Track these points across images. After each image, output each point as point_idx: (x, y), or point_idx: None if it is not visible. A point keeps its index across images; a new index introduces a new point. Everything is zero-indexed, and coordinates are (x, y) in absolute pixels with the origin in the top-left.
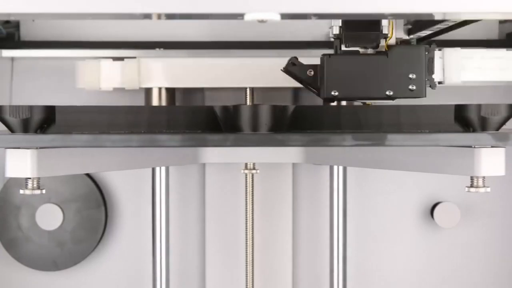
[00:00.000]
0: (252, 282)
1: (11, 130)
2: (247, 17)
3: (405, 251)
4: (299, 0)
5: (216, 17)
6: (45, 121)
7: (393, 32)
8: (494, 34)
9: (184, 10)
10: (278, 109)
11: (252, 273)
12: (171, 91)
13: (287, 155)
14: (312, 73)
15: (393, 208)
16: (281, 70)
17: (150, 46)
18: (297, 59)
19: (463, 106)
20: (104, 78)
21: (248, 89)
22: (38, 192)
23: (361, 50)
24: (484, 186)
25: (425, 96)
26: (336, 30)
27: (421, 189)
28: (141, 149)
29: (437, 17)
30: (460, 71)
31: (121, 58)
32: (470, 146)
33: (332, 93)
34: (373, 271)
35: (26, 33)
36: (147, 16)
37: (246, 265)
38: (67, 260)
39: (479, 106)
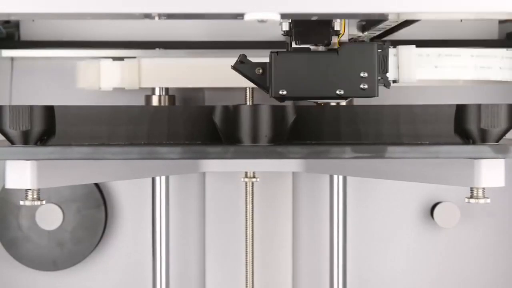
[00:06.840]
0: None
1: (11, 141)
2: (247, 17)
3: (405, 251)
4: (299, 0)
5: (216, 17)
6: (45, 133)
7: (346, 29)
8: (494, 34)
9: (184, 10)
10: (278, 118)
11: (252, 281)
12: (171, 93)
13: (287, 164)
14: (261, 71)
15: (393, 208)
16: (231, 67)
17: (150, 46)
18: (245, 57)
19: (463, 113)
20: (104, 78)
21: (248, 89)
22: (38, 203)
23: (312, 48)
24: (484, 197)
25: (377, 96)
26: (286, 27)
27: (421, 189)
28: (141, 160)
29: (391, 18)
30: (416, 69)
31: (121, 58)
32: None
33: (280, 92)
34: (372, 272)
35: (26, 33)
36: (147, 16)
37: (246, 273)
38: (67, 260)
39: (479, 116)
